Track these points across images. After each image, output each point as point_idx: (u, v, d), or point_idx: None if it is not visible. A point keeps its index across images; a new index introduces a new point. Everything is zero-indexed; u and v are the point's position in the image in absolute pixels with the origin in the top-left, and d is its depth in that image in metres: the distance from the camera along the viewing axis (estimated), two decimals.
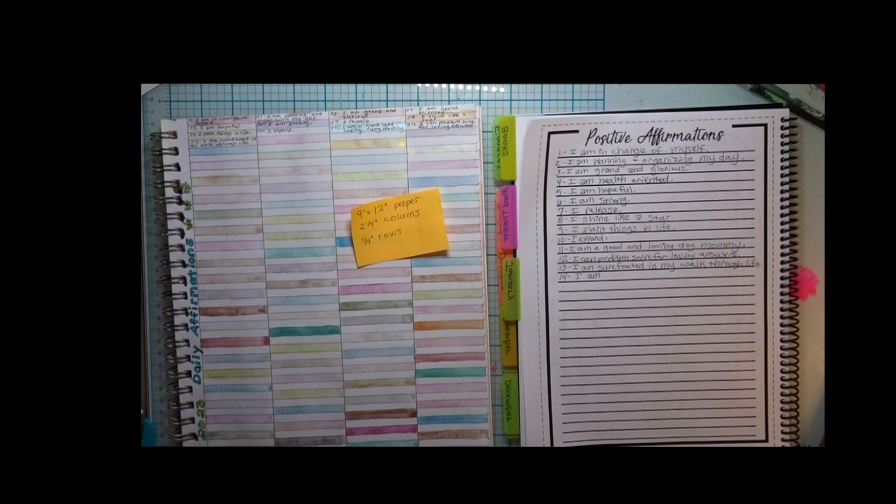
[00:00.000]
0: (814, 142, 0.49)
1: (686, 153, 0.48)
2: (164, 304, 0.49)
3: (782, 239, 0.48)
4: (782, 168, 0.48)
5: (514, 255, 0.49)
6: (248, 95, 0.49)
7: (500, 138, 0.48)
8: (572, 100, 0.49)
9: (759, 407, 0.48)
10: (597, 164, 0.48)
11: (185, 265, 0.49)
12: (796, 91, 0.48)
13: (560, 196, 0.48)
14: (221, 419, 0.49)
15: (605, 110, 0.49)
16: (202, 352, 0.49)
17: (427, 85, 0.49)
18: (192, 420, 0.49)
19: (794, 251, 0.48)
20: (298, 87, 0.49)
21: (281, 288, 0.49)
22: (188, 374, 0.49)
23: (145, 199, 0.50)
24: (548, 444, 0.48)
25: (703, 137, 0.48)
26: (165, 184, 0.49)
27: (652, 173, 0.48)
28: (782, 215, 0.48)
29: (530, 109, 0.49)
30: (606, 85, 0.49)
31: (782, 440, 0.48)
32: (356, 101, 0.49)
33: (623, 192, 0.48)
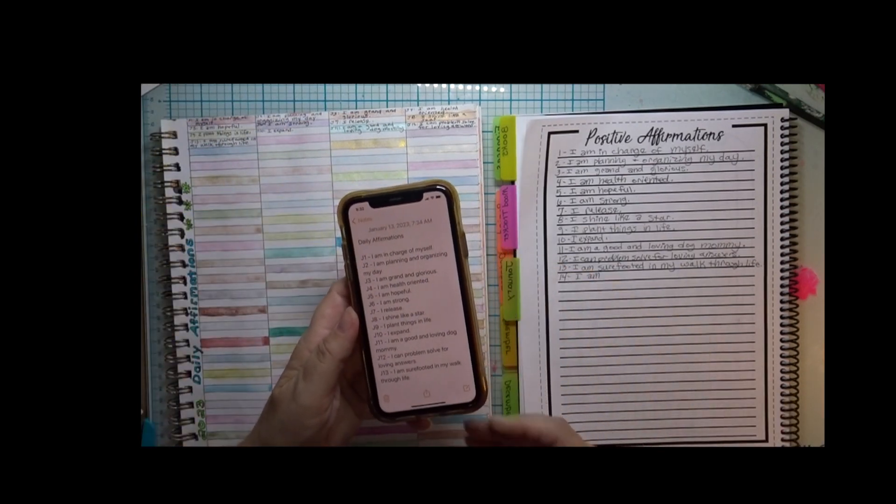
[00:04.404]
0: (814, 142, 0.49)
1: (686, 153, 0.48)
2: (164, 304, 0.49)
3: (782, 239, 0.48)
4: (782, 168, 0.48)
5: (514, 255, 0.49)
6: (248, 95, 0.49)
7: (500, 138, 0.48)
8: (572, 100, 0.49)
9: (759, 407, 0.48)
10: (597, 164, 0.48)
11: (185, 265, 0.49)
12: (796, 91, 0.48)
13: (560, 196, 0.48)
14: (221, 419, 0.49)
15: (605, 110, 0.49)
16: (202, 352, 0.49)
17: (427, 85, 0.49)
18: (192, 420, 0.49)
19: (794, 251, 0.48)
20: (298, 87, 0.49)
21: (281, 288, 0.49)
22: (188, 374, 0.49)
23: (145, 199, 0.50)
24: None
25: (703, 137, 0.48)
26: (165, 184, 0.49)
27: (652, 173, 0.48)
28: (782, 215, 0.48)
29: (530, 109, 0.49)
30: (606, 85, 0.49)
31: (782, 440, 0.48)
32: (356, 101, 0.49)
33: (623, 192, 0.48)
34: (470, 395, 0.39)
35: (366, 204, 0.39)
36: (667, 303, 0.48)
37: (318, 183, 0.48)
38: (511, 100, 0.49)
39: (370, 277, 0.39)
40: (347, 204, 0.39)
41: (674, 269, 0.48)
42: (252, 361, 0.49)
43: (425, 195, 0.39)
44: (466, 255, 0.39)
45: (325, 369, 0.38)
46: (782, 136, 0.48)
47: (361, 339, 0.39)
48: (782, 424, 0.48)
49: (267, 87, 0.49)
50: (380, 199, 0.39)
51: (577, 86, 0.49)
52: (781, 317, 0.48)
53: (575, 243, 0.48)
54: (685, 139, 0.48)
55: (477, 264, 0.48)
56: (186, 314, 0.49)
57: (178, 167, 0.49)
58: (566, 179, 0.48)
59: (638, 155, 0.48)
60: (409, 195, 0.39)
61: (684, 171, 0.48)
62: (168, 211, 0.49)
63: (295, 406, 0.37)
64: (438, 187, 0.39)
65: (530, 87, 0.49)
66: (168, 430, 0.50)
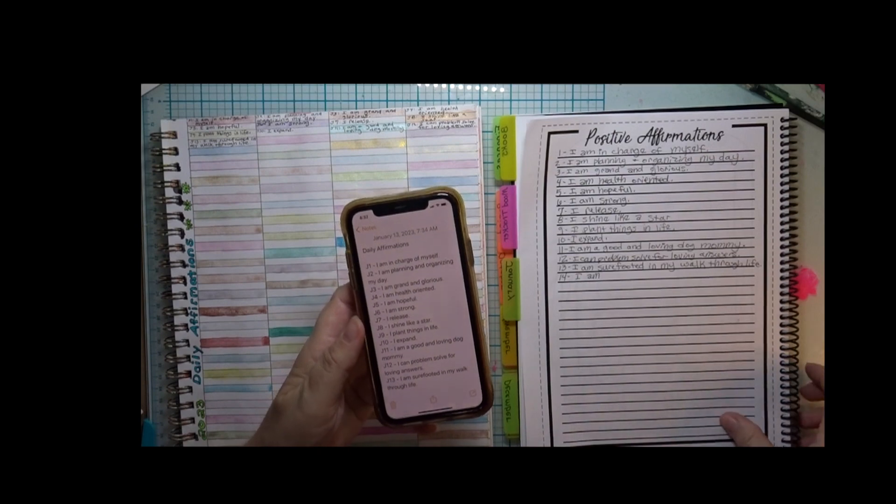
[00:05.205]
0: (814, 142, 0.49)
1: (686, 153, 0.48)
2: (164, 304, 0.49)
3: (782, 239, 0.48)
4: (782, 168, 0.48)
5: (514, 255, 0.49)
6: (248, 95, 0.49)
7: (500, 138, 0.48)
8: (572, 100, 0.49)
9: (759, 407, 0.48)
10: (597, 164, 0.48)
11: (184, 265, 0.49)
12: (796, 91, 0.48)
13: (560, 196, 0.48)
14: (221, 419, 0.49)
15: (605, 110, 0.49)
16: (202, 352, 0.49)
17: (427, 85, 0.49)
18: (192, 420, 0.49)
19: (794, 251, 0.48)
20: (298, 87, 0.49)
21: (281, 288, 0.49)
22: (188, 374, 0.49)
23: (145, 199, 0.50)
24: (548, 444, 0.48)
25: (702, 137, 0.48)
26: (165, 184, 0.49)
27: (652, 173, 0.48)
28: (782, 215, 0.48)
29: (530, 109, 0.49)
30: (606, 85, 0.49)
31: (782, 440, 0.48)
32: (356, 101, 0.49)
33: (623, 192, 0.48)
34: (476, 401, 0.39)
35: (370, 212, 0.38)
36: (667, 303, 0.48)
37: (318, 183, 0.48)
38: (511, 100, 0.49)
39: (375, 286, 0.39)
40: (351, 212, 0.38)
41: (674, 269, 0.48)
42: (252, 361, 0.49)
43: (430, 203, 0.38)
44: (472, 262, 0.39)
45: (331, 379, 0.37)
46: (782, 136, 0.48)
47: (367, 347, 0.39)
48: (782, 425, 0.48)
49: (267, 87, 0.49)
50: (384, 207, 0.38)
51: (576, 86, 0.49)
52: (781, 317, 0.48)
53: (575, 243, 0.48)
54: (685, 139, 0.48)
55: (477, 264, 0.48)
56: (186, 314, 0.49)
57: (178, 167, 0.49)
58: (566, 179, 0.48)
59: (638, 155, 0.48)
60: (414, 203, 0.38)
61: (684, 171, 0.48)
62: (168, 211, 0.49)
63: (300, 415, 0.37)
64: (443, 194, 0.38)
65: (530, 87, 0.49)
66: (168, 430, 0.50)
